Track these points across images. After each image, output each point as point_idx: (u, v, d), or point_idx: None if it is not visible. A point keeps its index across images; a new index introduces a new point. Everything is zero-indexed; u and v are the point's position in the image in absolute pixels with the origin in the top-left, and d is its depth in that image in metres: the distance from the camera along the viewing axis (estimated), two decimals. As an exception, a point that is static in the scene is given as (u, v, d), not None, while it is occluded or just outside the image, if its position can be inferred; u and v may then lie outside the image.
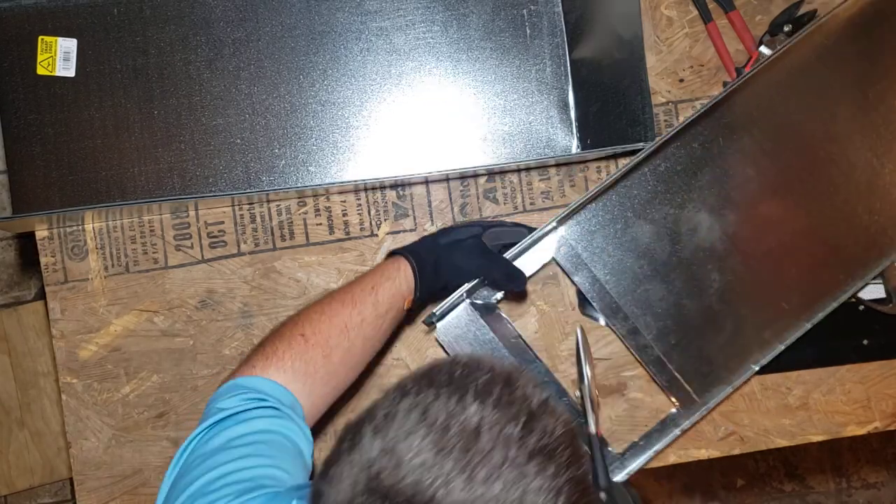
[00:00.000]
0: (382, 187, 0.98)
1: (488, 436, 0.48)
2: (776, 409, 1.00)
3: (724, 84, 0.98)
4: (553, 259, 0.95)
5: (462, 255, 0.86)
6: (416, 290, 0.84)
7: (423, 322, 0.95)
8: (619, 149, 0.93)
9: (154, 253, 0.98)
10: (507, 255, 0.91)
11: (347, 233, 0.98)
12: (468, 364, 0.53)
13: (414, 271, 0.83)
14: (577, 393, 0.95)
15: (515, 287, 0.90)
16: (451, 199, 0.99)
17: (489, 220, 0.97)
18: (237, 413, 0.69)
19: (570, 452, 0.50)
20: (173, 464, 0.68)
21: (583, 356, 0.90)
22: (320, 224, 0.98)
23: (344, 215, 0.98)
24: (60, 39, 0.97)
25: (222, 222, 0.98)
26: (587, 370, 0.90)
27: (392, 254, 0.87)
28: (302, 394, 0.73)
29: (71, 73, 0.97)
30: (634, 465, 0.95)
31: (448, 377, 0.52)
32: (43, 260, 0.97)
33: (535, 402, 0.51)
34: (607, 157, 0.99)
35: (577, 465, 0.50)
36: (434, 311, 0.92)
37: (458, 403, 0.50)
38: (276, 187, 0.98)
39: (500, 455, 0.48)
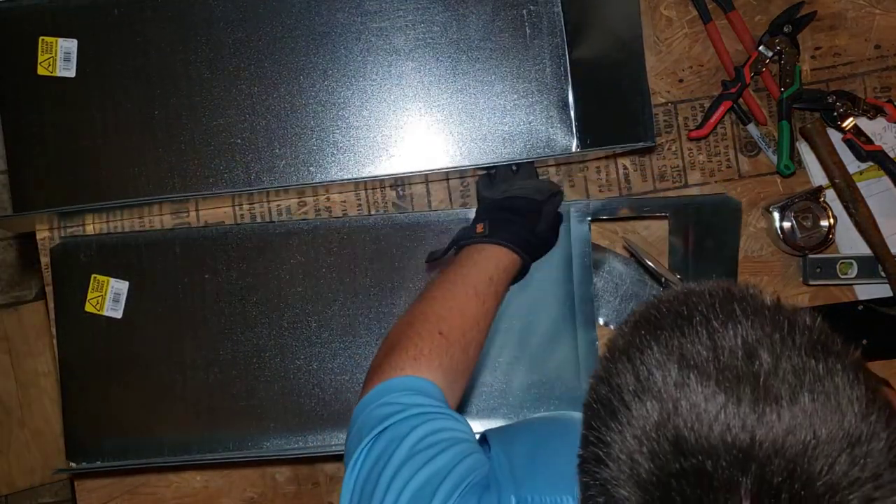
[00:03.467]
0: (382, 187, 0.98)
1: (765, 353, 0.44)
2: (776, 408, 1.00)
3: (723, 84, 0.98)
4: None
5: (541, 221, 0.89)
6: (521, 273, 0.89)
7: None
8: (618, 147, 0.93)
9: (154, 253, 0.98)
10: None
11: (347, 233, 0.98)
12: (678, 297, 0.50)
13: (524, 265, 0.87)
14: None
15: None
16: (450, 198, 0.99)
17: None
18: (422, 413, 0.67)
19: (835, 336, 0.47)
20: (353, 473, 0.65)
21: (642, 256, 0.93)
22: (320, 224, 0.98)
23: (344, 215, 0.98)
24: (61, 40, 0.97)
25: (223, 222, 0.98)
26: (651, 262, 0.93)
27: (487, 239, 0.86)
28: (448, 391, 0.74)
29: (71, 73, 0.97)
30: None
31: (673, 315, 0.48)
32: (43, 260, 0.97)
33: (770, 303, 0.48)
34: (607, 157, 0.99)
35: (847, 345, 0.47)
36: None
37: (710, 334, 0.46)
38: (276, 185, 0.97)
39: (787, 366, 0.44)
